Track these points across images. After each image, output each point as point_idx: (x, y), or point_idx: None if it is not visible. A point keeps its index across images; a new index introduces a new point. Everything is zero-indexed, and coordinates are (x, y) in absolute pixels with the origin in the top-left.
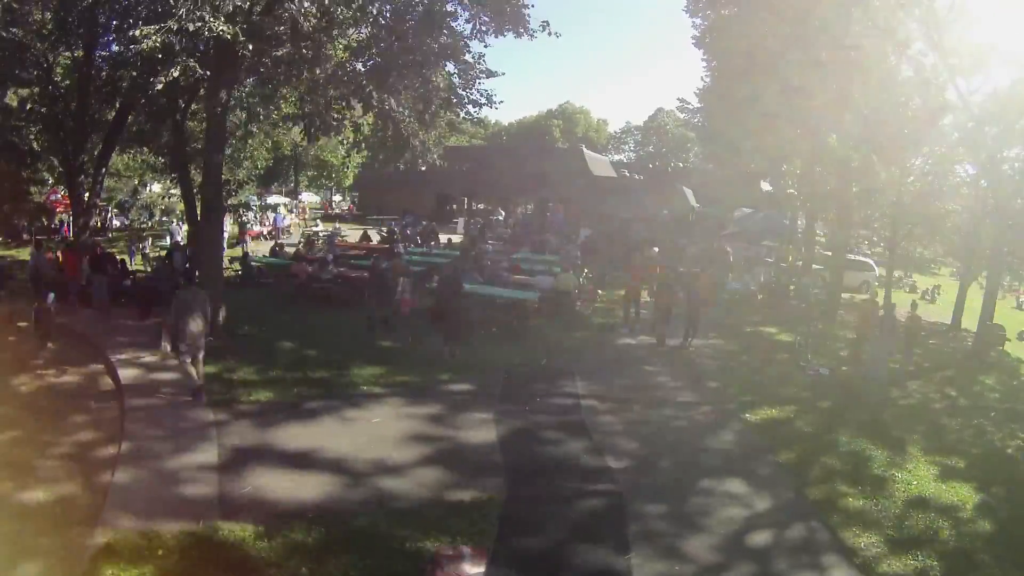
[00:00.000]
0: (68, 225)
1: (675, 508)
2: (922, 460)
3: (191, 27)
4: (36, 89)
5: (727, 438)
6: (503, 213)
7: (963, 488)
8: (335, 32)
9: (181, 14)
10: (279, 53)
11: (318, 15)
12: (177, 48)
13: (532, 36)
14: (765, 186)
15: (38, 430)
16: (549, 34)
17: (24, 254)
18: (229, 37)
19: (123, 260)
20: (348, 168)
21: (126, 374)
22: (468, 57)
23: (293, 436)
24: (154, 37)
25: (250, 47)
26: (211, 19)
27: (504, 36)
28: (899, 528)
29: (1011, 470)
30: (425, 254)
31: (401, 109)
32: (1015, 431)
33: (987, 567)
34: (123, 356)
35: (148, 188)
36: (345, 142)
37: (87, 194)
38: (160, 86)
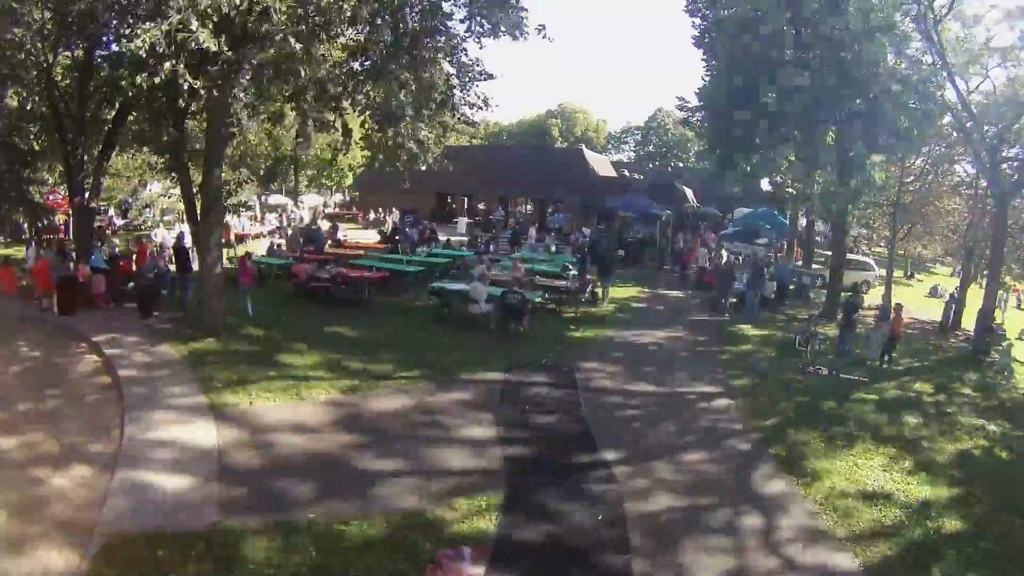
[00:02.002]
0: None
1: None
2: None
3: (178, 37)
4: (36, 89)
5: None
6: (503, 213)
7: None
8: (332, 32)
9: (171, 19)
10: (271, 55)
11: (313, 16)
12: (165, 52)
13: (526, 38)
14: (765, 185)
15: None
16: (544, 37)
17: (24, 253)
18: (215, 48)
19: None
20: (334, 166)
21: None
22: (465, 59)
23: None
24: (144, 37)
25: (234, 57)
26: (198, 29)
27: (499, 39)
28: None
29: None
30: (430, 254)
31: (399, 109)
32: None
33: None
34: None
35: (148, 188)
36: (336, 144)
37: (87, 194)
38: (146, 85)
